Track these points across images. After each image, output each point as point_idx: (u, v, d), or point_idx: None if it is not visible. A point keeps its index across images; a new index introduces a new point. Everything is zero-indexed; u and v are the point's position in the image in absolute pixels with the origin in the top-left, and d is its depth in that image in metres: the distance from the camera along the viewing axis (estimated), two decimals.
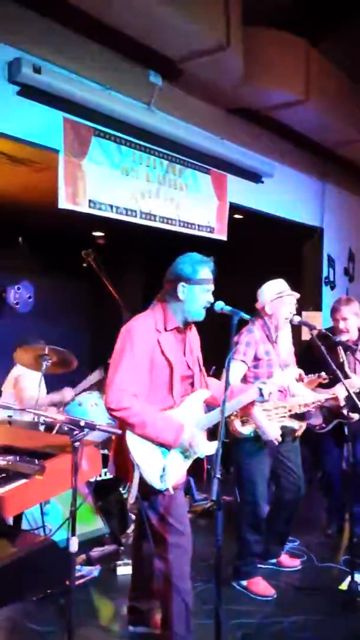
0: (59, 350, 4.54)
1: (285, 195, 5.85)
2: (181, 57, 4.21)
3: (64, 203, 3.71)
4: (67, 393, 4.70)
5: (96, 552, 3.98)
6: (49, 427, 4.36)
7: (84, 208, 3.84)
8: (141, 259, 7.95)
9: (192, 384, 2.86)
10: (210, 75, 4.42)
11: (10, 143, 3.71)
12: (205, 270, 2.76)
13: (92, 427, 2.21)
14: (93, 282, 6.05)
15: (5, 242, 6.71)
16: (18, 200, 5.77)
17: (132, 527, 4.22)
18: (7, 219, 6.55)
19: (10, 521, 2.21)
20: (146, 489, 2.60)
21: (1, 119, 3.42)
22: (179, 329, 2.78)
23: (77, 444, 2.12)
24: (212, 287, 2.79)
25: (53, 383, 4.86)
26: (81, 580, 3.64)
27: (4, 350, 6.54)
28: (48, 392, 4.79)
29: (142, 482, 2.57)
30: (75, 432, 2.14)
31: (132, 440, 2.57)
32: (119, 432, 2.48)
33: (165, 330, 2.72)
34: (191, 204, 4.70)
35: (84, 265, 5.48)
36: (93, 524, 4.03)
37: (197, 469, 2.86)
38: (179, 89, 4.60)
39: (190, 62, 4.26)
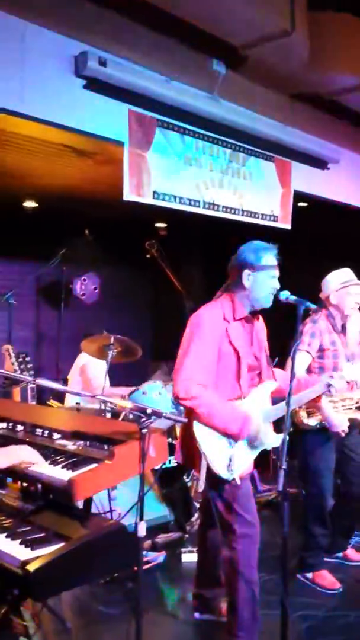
0: (124, 340, 4.62)
1: (351, 181, 5.69)
2: (245, 44, 4.15)
3: (128, 195, 3.74)
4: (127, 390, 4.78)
5: (161, 538, 4.04)
6: (115, 415, 4.46)
7: (148, 199, 3.87)
8: (202, 250, 7.94)
9: (259, 375, 2.85)
10: (274, 61, 4.34)
11: (75, 136, 3.78)
12: (269, 256, 2.74)
13: (158, 414, 2.24)
14: (155, 272, 6.12)
15: (71, 235, 6.87)
16: (83, 192, 5.88)
17: (196, 515, 4.26)
18: (73, 212, 6.70)
19: (81, 505, 2.27)
20: (213, 479, 2.62)
21: (68, 113, 3.48)
22: (247, 319, 2.77)
23: (144, 431, 2.15)
24: (277, 273, 2.76)
25: (117, 372, 4.95)
26: (147, 566, 3.71)
27: (72, 340, 6.73)
28: (112, 382, 4.89)
29: (210, 472, 2.59)
30: (143, 420, 2.17)
31: (200, 430, 2.58)
32: (185, 420, 2.50)
33: (234, 319, 2.71)
34: (255, 192, 4.64)
35: (148, 256, 5.56)
36: (158, 510, 4.09)
37: (263, 460, 2.85)
38: (243, 77, 4.54)
39: (254, 49, 4.20)
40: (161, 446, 2.38)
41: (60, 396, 5.50)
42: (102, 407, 4.41)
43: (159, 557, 3.88)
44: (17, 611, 2.52)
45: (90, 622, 3.19)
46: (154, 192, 3.88)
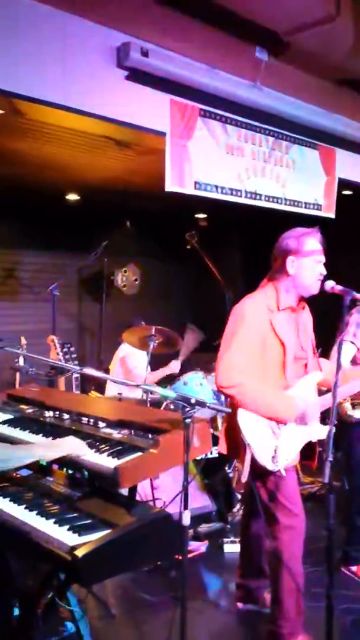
0: (165, 331, 4.64)
1: None
2: (287, 31, 4.08)
3: (170, 185, 3.74)
4: (174, 365, 4.83)
5: (203, 528, 4.06)
6: (156, 405, 4.48)
7: (189, 190, 3.85)
8: (242, 240, 7.89)
9: (305, 366, 2.82)
10: (318, 48, 4.25)
11: (117, 128, 3.78)
12: (312, 240, 2.69)
13: (202, 404, 2.23)
14: (195, 263, 6.10)
15: (113, 226, 6.91)
16: (124, 184, 5.90)
17: (237, 506, 4.26)
18: (114, 203, 6.74)
19: (126, 493, 2.29)
20: (258, 469, 2.61)
21: (110, 104, 3.48)
22: (293, 309, 2.73)
23: (188, 420, 2.15)
24: (322, 258, 2.71)
25: (157, 362, 4.97)
26: (190, 555, 3.73)
27: (113, 331, 6.79)
28: (153, 368, 4.93)
29: (254, 462, 2.58)
30: (187, 409, 2.17)
31: (244, 421, 2.57)
32: (229, 410, 2.49)
33: (279, 309, 2.68)
34: (298, 181, 4.57)
35: (188, 247, 5.55)
36: (200, 500, 4.10)
37: (307, 452, 2.82)
38: (286, 64, 4.46)
39: (297, 35, 4.12)
40: (205, 436, 2.38)
41: (101, 388, 5.57)
42: (144, 397, 4.45)
43: (202, 546, 3.89)
44: (64, 596, 2.58)
45: (134, 609, 3.23)
46: (196, 183, 3.87)
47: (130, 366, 5.20)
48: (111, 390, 5.16)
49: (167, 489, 3.89)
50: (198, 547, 3.87)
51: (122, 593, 3.38)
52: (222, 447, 2.84)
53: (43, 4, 3.22)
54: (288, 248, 2.67)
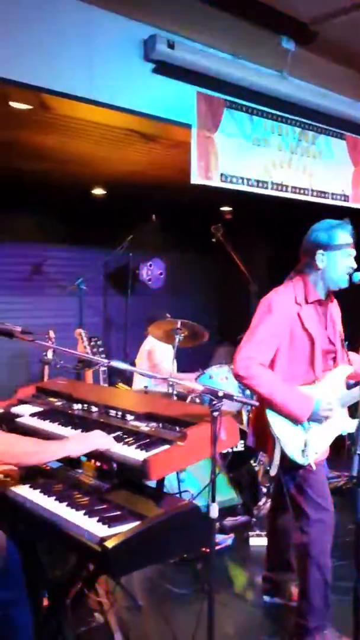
0: (191, 325, 4.64)
1: None
2: (315, 19, 4.02)
3: (196, 178, 3.73)
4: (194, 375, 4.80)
5: (229, 521, 4.06)
6: (182, 398, 4.49)
7: (215, 182, 3.84)
8: (268, 232, 7.83)
9: (333, 359, 2.79)
10: (346, 36, 4.18)
11: (143, 121, 3.78)
12: (343, 234, 2.64)
13: (230, 397, 2.23)
14: (221, 256, 6.09)
15: (138, 220, 6.93)
16: (150, 178, 5.90)
17: (263, 499, 4.26)
18: (139, 197, 6.75)
19: (153, 485, 2.30)
20: (287, 463, 2.59)
21: (136, 97, 3.49)
22: (321, 302, 2.70)
23: (215, 413, 2.15)
24: (353, 251, 2.66)
25: (183, 356, 4.97)
26: (216, 548, 3.73)
27: (138, 325, 6.81)
28: (178, 366, 4.93)
29: (283, 456, 2.57)
30: (214, 402, 2.17)
31: (273, 414, 2.56)
32: (256, 403, 2.48)
33: (307, 303, 2.65)
34: (325, 171, 4.52)
35: (213, 240, 5.53)
36: (226, 494, 4.10)
37: (335, 445, 2.80)
38: (313, 53, 4.39)
39: (324, 24, 4.06)
40: (232, 429, 2.38)
41: (127, 381, 5.60)
42: (170, 390, 4.46)
43: (227, 539, 3.90)
44: (92, 587, 2.61)
45: (161, 601, 3.25)
46: (222, 175, 3.85)
47: (157, 360, 5.22)
48: (139, 383, 5.19)
49: (192, 481, 3.90)
50: (224, 540, 3.87)
51: (149, 585, 3.40)
52: (250, 440, 2.83)
53: None
54: (318, 241, 2.63)
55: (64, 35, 3.19)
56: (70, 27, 3.22)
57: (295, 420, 2.58)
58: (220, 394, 2.16)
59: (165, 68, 3.53)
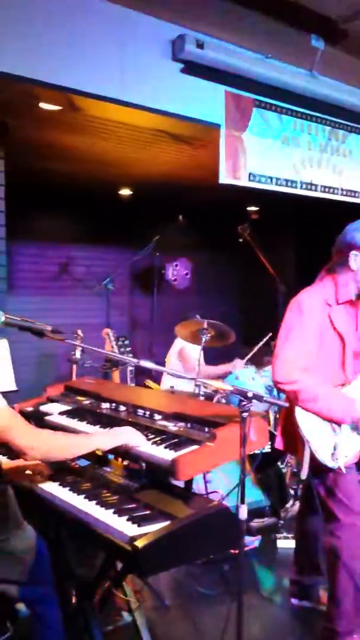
0: (218, 325, 4.62)
1: None
2: (344, 17, 3.98)
3: (224, 178, 3.72)
4: (238, 363, 4.81)
5: (256, 523, 4.03)
6: (208, 398, 4.48)
7: (243, 182, 3.82)
8: (295, 232, 7.78)
9: None
10: None
11: (172, 121, 3.79)
12: None
13: (259, 398, 2.21)
14: (247, 257, 6.06)
15: (164, 221, 6.94)
16: (177, 178, 5.90)
17: (291, 501, 4.22)
18: (166, 197, 6.76)
19: (182, 485, 2.29)
20: (317, 466, 2.56)
21: (165, 97, 3.49)
22: (352, 302, 2.67)
23: (245, 414, 2.14)
24: None
25: (209, 356, 4.96)
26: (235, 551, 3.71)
27: (164, 325, 6.83)
28: (213, 362, 4.92)
29: (313, 459, 2.54)
30: (244, 403, 2.15)
31: (303, 417, 2.53)
32: (286, 405, 2.46)
33: (337, 303, 2.62)
34: (355, 170, 4.47)
35: (240, 240, 5.51)
36: (253, 495, 4.08)
37: None
38: (342, 52, 4.35)
39: (354, 22, 4.02)
40: (262, 430, 2.36)
41: (156, 378, 5.61)
42: (196, 390, 4.45)
43: (255, 541, 3.87)
44: (120, 586, 2.61)
45: (188, 601, 3.24)
46: (250, 174, 3.83)
47: (186, 359, 5.21)
48: (166, 382, 5.20)
49: (218, 482, 3.89)
50: (251, 542, 3.85)
51: (175, 585, 3.39)
52: (279, 443, 2.81)
53: None
54: (353, 242, 2.59)
55: (94, 36, 3.22)
56: (100, 28, 3.24)
57: (338, 423, 2.54)
58: (250, 394, 2.14)
59: (194, 68, 3.53)
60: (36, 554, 2.06)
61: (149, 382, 5.30)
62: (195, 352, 5.06)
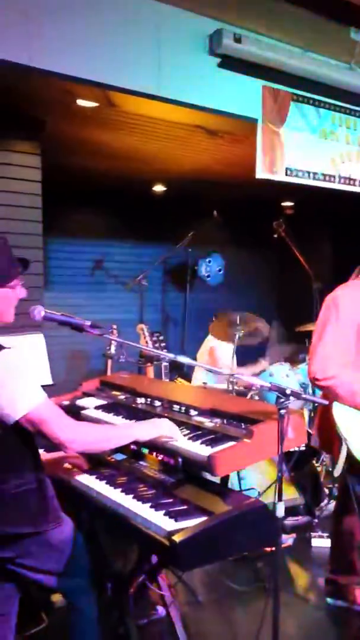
0: (249, 317, 4.59)
1: None
2: None
3: (261, 172, 3.69)
4: (262, 363, 4.78)
5: (290, 521, 4.00)
6: (241, 395, 4.46)
7: (280, 176, 3.78)
8: (331, 228, 7.67)
9: None
10: None
11: (208, 116, 3.77)
12: None
13: (297, 395, 2.19)
14: (281, 253, 5.99)
15: (198, 217, 6.93)
16: (212, 174, 5.87)
17: (325, 500, 4.17)
18: (200, 193, 6.74)
19: (217, 481, 2.29)
20: (354, 465, 2.53)
21: (202, 93, 3.48)
22: None
23: (283, 411, 2.12)
24: None
25: (242, 354, 4.94)
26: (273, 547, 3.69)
27: (196, 321, 6.82)
28: (238, 363, 4.89)
29: (350, 457, 2.51)
30: (281, 400, 2.14)
31: (340, 414, 2.50)
32: (325, 402, 2.43)
33: None
34: None
35: (275, 236, 5.46)
36: (288, 493, 4.05)
37: None
38: None
39: None
40: (299, 428, 2.34)
41: (186, 375, 5.61)
42: (229, 387, 4.43)
43: (288, 539, 3.85)
44: (155, 580, 2.62)
45: (221, 597, 3.24)
46: (287, 169, 3.80)
47: (216, 357, 5.21)
48: (198, 379, 5.20)
49: (251, 479, 3.88)
50: (285, 540, 3.82)
51: (209, 581, 3.39)
52: (315, 441, 2.78)
53: None
54: None
55: (132, 32, 3.22)
56: (137, 24, 3.24)
57: None
58: (288, 391, 2.12)
59: (231, 62, 3.51)
60: (74, 545, 2.09)
61: (180, 380, 5.31)
62: (225, 353, 5.05)
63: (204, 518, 1.87)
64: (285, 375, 4.66)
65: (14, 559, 1.98)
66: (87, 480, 2.27)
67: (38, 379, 1.96)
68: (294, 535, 3.89)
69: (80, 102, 3.67)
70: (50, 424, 1.93)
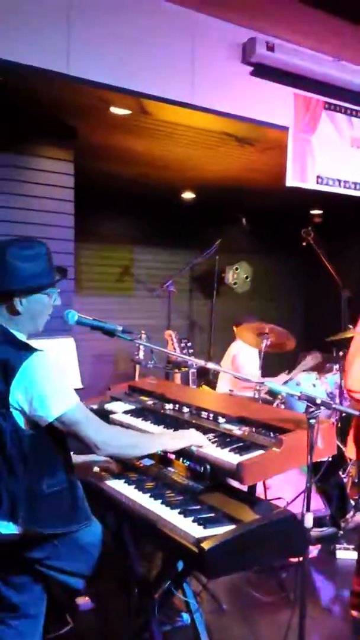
0: (279, 331, 4.57)
1: None
2: None
3: (291, 180, 3.69)
4: (282, 378, 4.74)
5: (315, 532, 3.96)
6: (266, 403, 4.44)
7: (311, 184, 3.78)
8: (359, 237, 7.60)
9: None
10: None
11: (239, 124, 3.78)
12: None
13: (328, 405, 2.18)
14: (309, 261, 5.95)
15: (226, 224, 6.93)
16: (241, 181, 5.88)
17: (351, 512, 4.12)
18: (228, 201, 6.75)
19: (245, 490, 2.28)
20: None
21: (235, 101, 3.50)
22: None
23: (312, 421, 2.10)
24: None
25: (266, 362, 4.91)
26: (301, 558, 3.65)
27: (223, 329, 6.81)
28: (262, 374, 4.87)
29: None
30: (311, 410, 2.12)
31: None
32: (356, 412, 2.41)
33: None
34: None
35: (303, 244, 5.44)
36: (313, 504, 4.01)
37: None
38: None
39: None
40: (329, 438, 2.32)
41: (210, 382, 5.60)
42: (255, 395, 4.41)
43: (313, 550, 3.81)
44: (180, 587, 2.61)
45: (245, 607, 3.22)
46: (318, 177, 3.79)
47: (239, 364, 5.19)
48: (223, 387, 5.18)
49: (276, 489, 3.85)
50: (310, 551, 3.78)
51: (233, 589, 3.37)
52: (351, 452, 2.75)
53: (171, 3, 3.28)
54: None
55: (165, 40, 3.25)
56: (172, 33, 3.28)
57: None
58: (319, 401, 2.11)
59: (263, 70, 3.52)
60: (102, 548, 2.10)
61: (205, 387, 5.30)
62: (248, 361, 5.03)
63: (232, 526, 1.87)
64: (312, 384, 4.63)
65: (44, 559, 2.00)
66: (116, 485, 2.29)
67: (71, 381, 1.98)
68: (318, 546, 3.85)
69: (114, 110, 3.71)
70: (84, 426, 1.96)
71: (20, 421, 1.89)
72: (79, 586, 2.11)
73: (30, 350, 1.91)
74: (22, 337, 2.00)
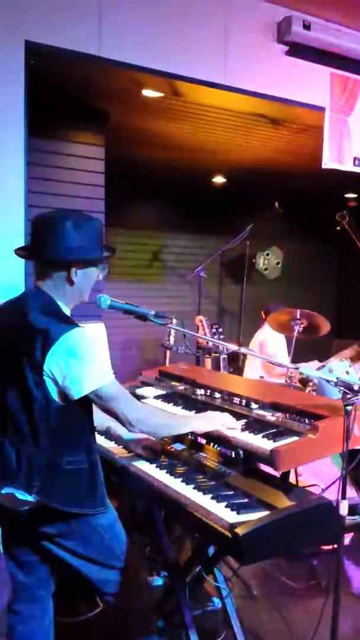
0: (312, 316, 4.49)
1: None
2: None
3: (328, 162, 3.61)
4: (314, 366, 4.67)
5: (348, 520, 3.91)
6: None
7: (348, 166, 3.70)
8: None
9: None
10: None
11: (273, 105, 3.71)
12: None
13: None
14: (342, 246, 5.84)
15: (258, 208, 6.85)
16: (274, 164, 5.78)
17: None
18: (260, 184, 6.65)
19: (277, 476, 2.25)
20: None
21: (269, 81, 3.43)
22: None
23: (349, 407, 2.06)
24: None
25: (297, 349, 4.85)
26: (332, 547, 3.62)
27: (252, 314, 6.75)
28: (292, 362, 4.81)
29: None
30: (349, 396, 2.08)
31: None
32: None
33: None
34: None
35: (337, 228, 5.33)
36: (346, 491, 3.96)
37: None
38: None
39: None
40: None
41: (241, 370, 5.56)
42: (287, 381, 4.36)
43: (346, 538, 3.76)
44: (211, 572, 2.61)
45: (275, 593, 3.20)
46: (355, 159, 3.70)
47: (269, 352, 5.12)
48: (251, 373, 5.13)
49: (306, 475, 3.81)
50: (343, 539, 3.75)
51: (263, 576, 3.36)
52: None
53: None
54: None
55: (199, 21, 3.20)
56: (205, 13, 3.22)
57: None
58: (356, 387, 2.06)
59: (299, 50, 3.45)
60: (114, 534, 2.08)
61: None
62: (277, 349, 4.97)
63: (266, 512, 1.84)
64: (345, 371, 4.55)
65: (55, 536, 1.99)
66: (148, 468, 2.28)
67: (108, 359, 1.98)
68: (351, 534, 3.81)
69: (146, 92, 3.68)
70: (121, 402, 1.97)
71: (53, 391, 1.89)
72: (90, 573, 2.09)
73: (71, 324, 1.91)
74: (66, 310, 2.01)
